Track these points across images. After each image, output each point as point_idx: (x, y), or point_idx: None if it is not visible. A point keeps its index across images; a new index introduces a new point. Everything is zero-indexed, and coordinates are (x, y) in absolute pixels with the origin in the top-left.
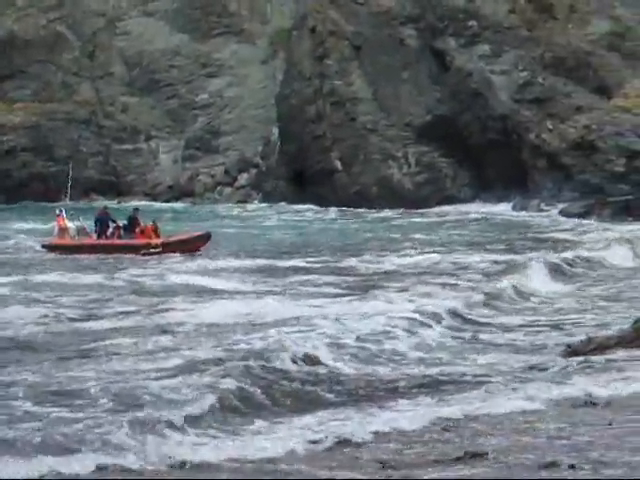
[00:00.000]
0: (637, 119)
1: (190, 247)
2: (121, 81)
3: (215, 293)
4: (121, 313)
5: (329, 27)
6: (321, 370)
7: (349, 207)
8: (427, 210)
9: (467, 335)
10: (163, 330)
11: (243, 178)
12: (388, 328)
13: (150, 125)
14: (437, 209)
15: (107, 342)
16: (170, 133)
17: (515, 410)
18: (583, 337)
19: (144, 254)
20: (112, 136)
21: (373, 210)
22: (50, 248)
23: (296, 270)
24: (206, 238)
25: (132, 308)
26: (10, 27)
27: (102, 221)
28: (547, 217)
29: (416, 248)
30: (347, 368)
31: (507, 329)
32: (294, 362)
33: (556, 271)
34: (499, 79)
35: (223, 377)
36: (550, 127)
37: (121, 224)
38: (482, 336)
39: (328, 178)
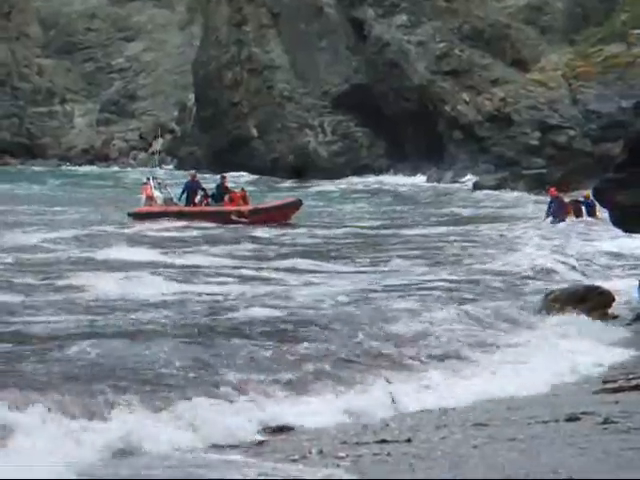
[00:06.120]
0: (552, 93)
1: (281, 215)
2: (37, 43)
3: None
4: None
5: None
6: None
7: (264, 175)
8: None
9: None
10: None
11: (158, 143)
12: None
13: (65, 88)
14: (350, 179)
15: None
16: (86, 96)
17: None
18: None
19: (231, 221)
20: (27, 98)
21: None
22: (136, 216)
23: None
24: (298, 205)
25: None
26: None
27: (191, 188)
28: (457, 190)
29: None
30: None
31: None
32: None
33: None
34: (416, 50)
35: None
36: (466, 99)
37: (210, 192)
38: None
39: (244, 145)
